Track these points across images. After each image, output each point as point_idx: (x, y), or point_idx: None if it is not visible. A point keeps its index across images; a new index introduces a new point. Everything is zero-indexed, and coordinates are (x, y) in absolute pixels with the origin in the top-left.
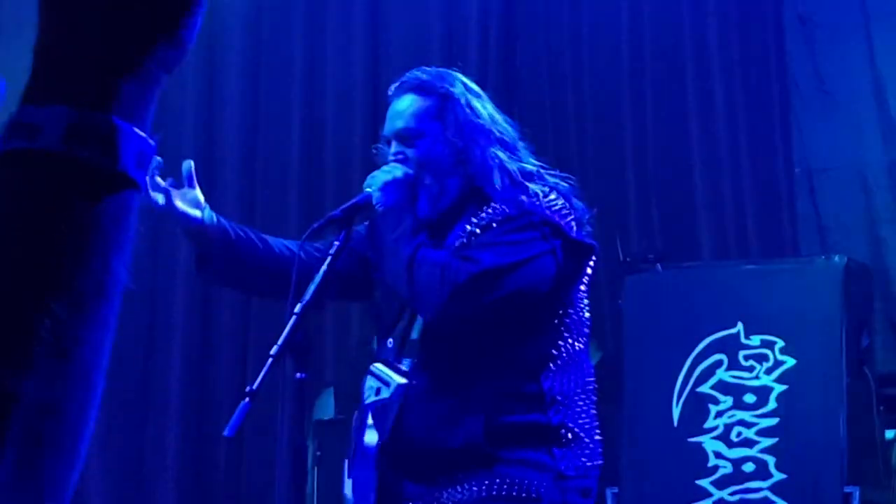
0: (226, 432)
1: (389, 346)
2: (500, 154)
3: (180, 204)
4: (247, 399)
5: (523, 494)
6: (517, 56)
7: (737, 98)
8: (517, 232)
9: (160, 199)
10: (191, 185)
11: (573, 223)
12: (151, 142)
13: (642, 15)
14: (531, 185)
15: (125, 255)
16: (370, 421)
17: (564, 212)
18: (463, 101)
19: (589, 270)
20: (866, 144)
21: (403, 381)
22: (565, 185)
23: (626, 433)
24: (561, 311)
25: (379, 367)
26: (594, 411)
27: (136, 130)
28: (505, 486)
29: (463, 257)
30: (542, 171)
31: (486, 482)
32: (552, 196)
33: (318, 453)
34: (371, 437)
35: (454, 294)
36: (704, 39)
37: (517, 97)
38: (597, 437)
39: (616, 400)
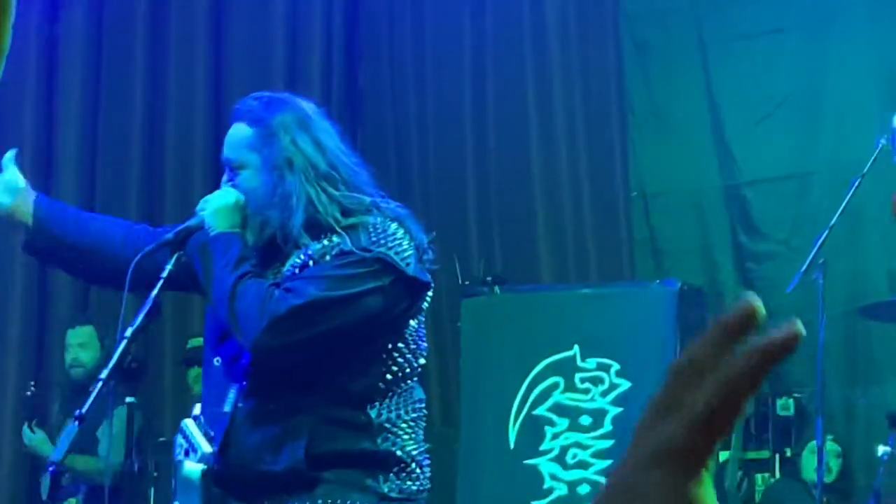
0: (53, 457)
1: (216, 364)
2: (317, 190)
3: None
4: (75, 422)
5: None
6: (360, 78)
7: (577, 122)
8: (347, 267)
9: None
10: (8, 169)
11: (412, 255)
12: None
13: (484, 36)
14: (367, 218)
15: None
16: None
17: (403, 244)
18: (287, 132)
19: (425, 305)
20: (701, 169)
21: (210, 449)
22: (403, 211)
23: (463, 455)
24: (390, 346)
25: (189, 426)
26: (422, 437)
27: None
28: None
29: (286, 289)
30: (378, 200)
31: (308, 503)
32: (391, 227)
33: (155, 474)
34: (191, 467)
35: (271, 325)
36: (545, 65)
37: (360, 118)
38: (426, 464)
39: (454, 422)
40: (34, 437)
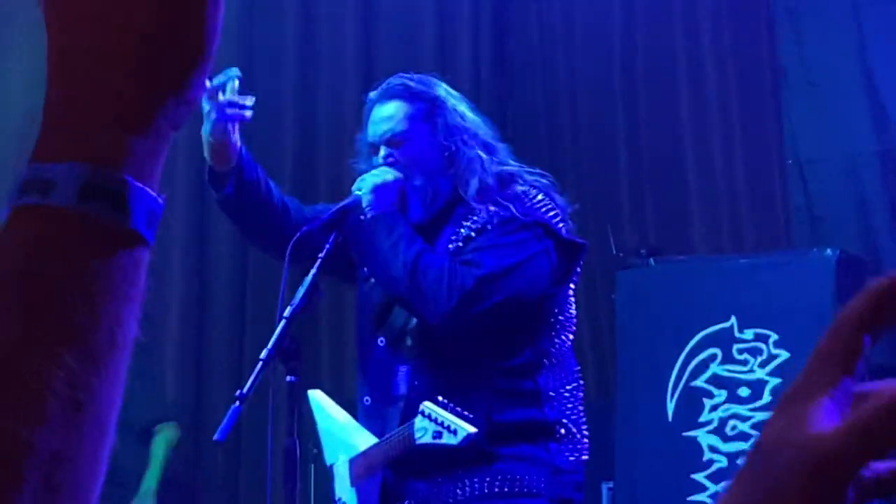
0: (217, 436)
1: (381, 344)
2: (485, 156)
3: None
4: (237, 403)
5: (524, 490)
6: (509, 51)
7: (729, 91)
8: (512, 234)
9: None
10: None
11: (561, 222)
12: (160, 200)
13: (634, 8)
14: (515, 186)
15: (136, 308)
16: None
17: (552, 212)
18: (449, 104)
19: (578, 269)
20: (857, 134)
21: (473, 430)
22: (545, 182)
23: (621, 428)
24: (556, 310)
25: (434, 408)
26: (581, 406)
27: (147, 189)
28: (507, 483)
29: (464, 262)
30: (521, 170)
31: (488, 479)
32: (539, 196)
33: (315, 451)
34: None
35: (463, 299)
36: (696, 33)
37: (511, 93)
38: (585, 432)
39: (610, 394)
40: None
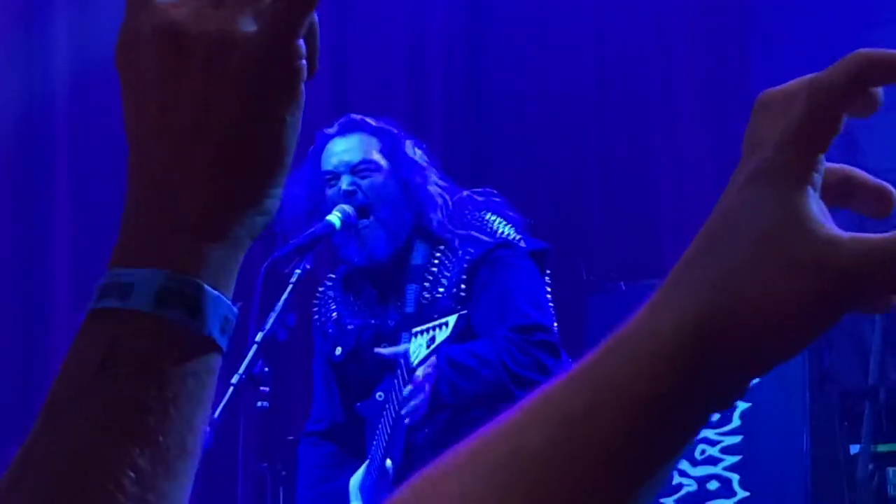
0: None
1: (380, 399)
2: (441, 189)
3: None
4: (207, 428)
5: None
6: (482, 86)
7: (702, 117)
8: (511, 262)
9: None
10: None
11: (518, 234)
12: (235, 308)
13: (605, 38)
14: (469, 214)
15: (206, 414)
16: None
17: (507, 227)
18: (406, 141)
19: (548, 271)
20: (829, 159)
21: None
22: (497, 200)
23: None
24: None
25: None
26: None
27: (222, 296)
28: None
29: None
30: (472, 193)
31: None
32: (488, 216)
33: (284, 473)
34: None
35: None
36: (669, 62)
37: (482, 114)
38: None
39: None
40: None
